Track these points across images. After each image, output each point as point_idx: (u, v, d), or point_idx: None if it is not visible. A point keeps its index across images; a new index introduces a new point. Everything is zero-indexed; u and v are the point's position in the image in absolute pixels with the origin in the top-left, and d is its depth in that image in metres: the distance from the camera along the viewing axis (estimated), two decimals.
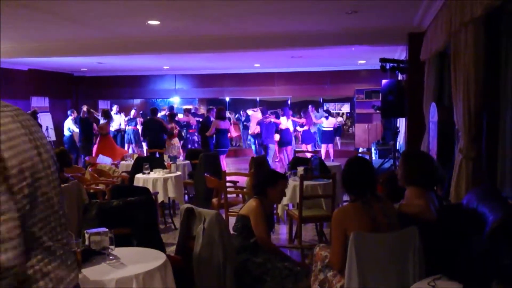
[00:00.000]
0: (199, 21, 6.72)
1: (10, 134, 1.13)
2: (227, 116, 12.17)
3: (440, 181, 3.81)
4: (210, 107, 12.06)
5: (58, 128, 13.20)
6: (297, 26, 7.16)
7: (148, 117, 11.30)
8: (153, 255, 2.86)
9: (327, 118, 13.48)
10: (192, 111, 14.54)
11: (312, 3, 5.64)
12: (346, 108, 19.87)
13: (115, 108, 14.46)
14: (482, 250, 2.24)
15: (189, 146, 13.63)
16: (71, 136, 12.17)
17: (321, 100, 18.37)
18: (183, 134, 13.35)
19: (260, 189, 3.81)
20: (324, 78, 14.90)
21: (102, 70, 14.39)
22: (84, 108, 12.04)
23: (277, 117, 11.97)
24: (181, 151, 11.02)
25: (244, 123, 15.83)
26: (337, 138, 15.61)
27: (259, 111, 12.93)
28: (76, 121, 11.81)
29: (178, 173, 6.92)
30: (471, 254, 2.25)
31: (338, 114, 17.41)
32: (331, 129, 13.35)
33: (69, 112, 12.68)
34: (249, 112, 14.26)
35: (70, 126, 12.11)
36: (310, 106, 14.09)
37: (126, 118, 13.94)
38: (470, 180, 3.60)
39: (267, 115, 11.94)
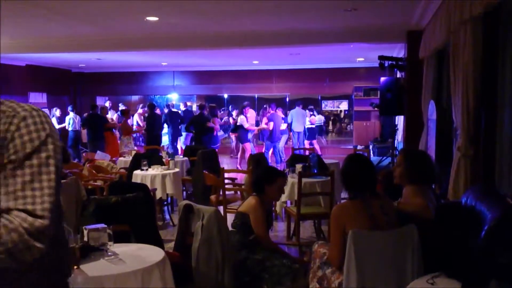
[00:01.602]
0: (198, 17, 6.70)
1: None
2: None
3: (438, 180, 3.82)
4: (203, 103, 11.93)
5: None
6: (296, 24, 7.15)
7: (149, 113, 11.27)
8: (152, 252, 2.85)
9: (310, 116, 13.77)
10: (187, 108, 14.53)
11: (311, 1, 5.64)
12: (344, 105, 19.88)
13: (107, 103, 14.37)
14: (481, 248, 2.25)
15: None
16: (75, 132, 12.19)
17: (320, 98, 18.38)
18: None
19: (258, 186, 3.80)
20: (322, 76, 14.87)
21: (100, 67, 14.36)
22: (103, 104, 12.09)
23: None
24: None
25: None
26: (320, 136, 15.82)
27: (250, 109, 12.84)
28: (90, 118, 11.50)
29: (176, 169, 6.91)
30: (470, 252, 2.26)
31: (320, 112, 17.36)
32: (314, 126, 13.61)
33: (70, 108, 12.68)
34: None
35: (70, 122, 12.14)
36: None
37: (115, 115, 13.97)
38: (468, 178, 3.60)
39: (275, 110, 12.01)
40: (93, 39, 8.41)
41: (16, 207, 1.22)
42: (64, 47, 8.92)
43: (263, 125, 12.29)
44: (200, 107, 11.35)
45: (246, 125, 11.98)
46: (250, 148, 12.04)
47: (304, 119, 13.48)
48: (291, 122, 13.09)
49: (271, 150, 12.08)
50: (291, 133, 13.43)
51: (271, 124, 11.80)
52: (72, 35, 8.12)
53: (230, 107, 17.17)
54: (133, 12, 6.36)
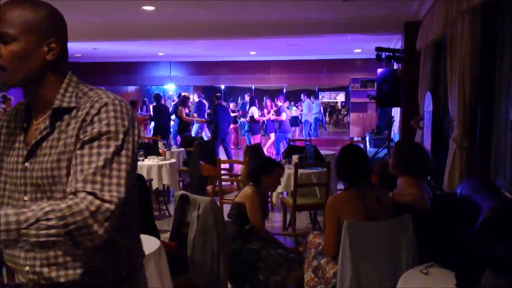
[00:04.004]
0: (195, 7, 6.66)
1: None
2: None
3: (432, 172, 3.83)
4: (218, 94, 11.64)
5: None
6: (293, 14, 7.11)
7: (156, 104, 11.18)
8: (147, 241, 2.85)
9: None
10: (200, 99, 14.46)
11: None
12: (341, 97, 19.88)
13: None
14: (475, 239, 2.26)
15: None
16: None
17: (317, 89, 18.37)
18: None
19: (254, 176, 3.81)
20: (319, 67, 14.85)
21: (97, 56, 14.26)
22: None
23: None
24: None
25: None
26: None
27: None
28: None
29: (173, 160, 6.92)
30: (464, 243, 2.27)
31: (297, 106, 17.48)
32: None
33: None
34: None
35: None
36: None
37: None
38: (463, 169, 3.61)
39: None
40: (89, 28, 8.34)
41: (85, 189, 1.21)
42: None
43: (275, 116, 12.20)
44: (217, 97, 11.04)
45: (256, 116, 11.95)
46: (259, 140, 12.04)
47: (311, 110, 13.91)
48: (306, 113, 13.58)
49: (271, 142, 12.11)
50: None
51: (284, 114, 11.73)
52: (68, 24, 8.02)
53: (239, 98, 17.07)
54: (129, 1, 6.31)
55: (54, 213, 1.14)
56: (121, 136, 1.28)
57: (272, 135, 12.30)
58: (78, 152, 1.26)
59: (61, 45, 1.39)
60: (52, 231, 1.13)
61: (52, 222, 1.13)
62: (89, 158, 1.24)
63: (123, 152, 1.28)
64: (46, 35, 1.35)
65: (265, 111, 12.83)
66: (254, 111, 12.05)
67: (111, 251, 1.37)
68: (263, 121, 12.90)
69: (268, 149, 12.00)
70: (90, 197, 1.19)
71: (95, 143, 1.26)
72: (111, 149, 1.26)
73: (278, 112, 11.96)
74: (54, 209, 1.15)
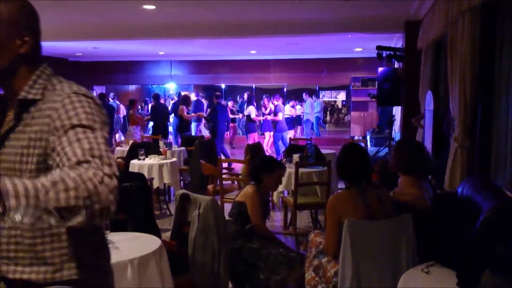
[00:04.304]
0: (195, 6, 6.66)
1: None
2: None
3: (432, 172, 3.83)
4: (217, 93, 11.33)
5: None
6: (293, 13, 7.11)
7: (154, 103, 11.17)
8: (148, 240, 2.86)
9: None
10: (198, 98, 14.47)
11: None
12: (342, 96, 19.87)
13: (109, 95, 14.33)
14: (475, 239, 2.26)
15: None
16: None
17: (317, 88, 18.35)
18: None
19: (256, 175, 3.81)
20: (320, 66, 14.84)
21: (97, 55, 14.26)
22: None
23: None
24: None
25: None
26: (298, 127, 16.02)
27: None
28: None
29: (174, 159, 6.93)
30: (465, 242, 2.27)
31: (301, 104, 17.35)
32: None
33: None
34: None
35: None
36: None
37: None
38: (464, 169, 3.61)
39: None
40: (89, 27, 8.35)
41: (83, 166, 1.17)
42: (60, 35, 8.83)
43: (272, 117, 12.20)
44: (216, 96, 10.91)
45: (253, 115, 11.96)
46: (256, 139, 12.04)
47: (314, 109, 14.03)
48: (309, 112, 13.72)
49: (270, 140, 12.10)
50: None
51: (280, 114, 11.73)
52: (68, 23, 8.05)
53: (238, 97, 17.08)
54: (130, 1, 6.31)
55: (69, 177, 1.09)
56: (95, 125, 1.28)
57: (267, 134, 12.30)
58: (59, 147, 1.23)
59: (35, 38, 1.39)
60: (72, 193, 1.07)
61: (71, 184, 1.08)
62: (71, 146, 1.21)
63: (102, 135, 1.27)
64: (19, 28, 1.35)
65: (263, 109, 12.85)
66: (252, 110, 12.07)
67: (69, 241, 1.33)
68: (260, 120, 12.95)
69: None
70: (93, 169, 1.15)
71: (71, 132, 1.23)
72: (90, 134, 1.24)
73: (275, 112, 11.96)
74: (68, 174, 1.11)
